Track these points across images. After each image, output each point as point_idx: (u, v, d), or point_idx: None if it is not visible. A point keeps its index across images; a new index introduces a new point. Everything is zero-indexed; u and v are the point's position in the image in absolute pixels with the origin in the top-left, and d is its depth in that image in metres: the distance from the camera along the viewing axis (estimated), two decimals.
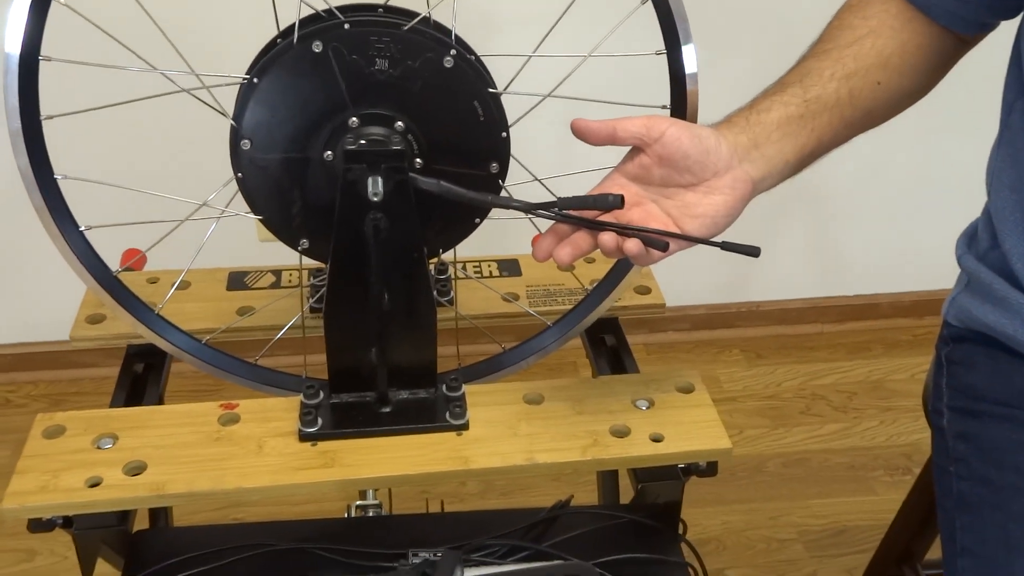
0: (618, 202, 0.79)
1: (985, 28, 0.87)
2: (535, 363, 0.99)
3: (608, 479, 1.20)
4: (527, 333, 1.00)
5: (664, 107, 0.88)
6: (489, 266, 1.13)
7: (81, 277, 0.90)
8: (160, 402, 1.00)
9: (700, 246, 0.81)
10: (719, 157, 0.77)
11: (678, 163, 0.77)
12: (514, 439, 0.88)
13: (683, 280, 2.00)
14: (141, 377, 1.02)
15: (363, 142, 0.81)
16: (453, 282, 1.08)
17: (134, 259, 1.13)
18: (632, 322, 2.04)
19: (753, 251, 0.79)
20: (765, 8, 1.73)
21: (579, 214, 0.80)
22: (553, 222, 0.80)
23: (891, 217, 1.99)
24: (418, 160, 0.84)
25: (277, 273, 1.11)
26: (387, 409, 0.90)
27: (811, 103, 0.81)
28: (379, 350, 0.88)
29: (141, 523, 1.11)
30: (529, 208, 0.81)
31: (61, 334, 1.05)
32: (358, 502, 1.17)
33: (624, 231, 0.77)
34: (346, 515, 1.14)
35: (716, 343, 2.09)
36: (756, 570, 1.62)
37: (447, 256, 1.06)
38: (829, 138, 0.83)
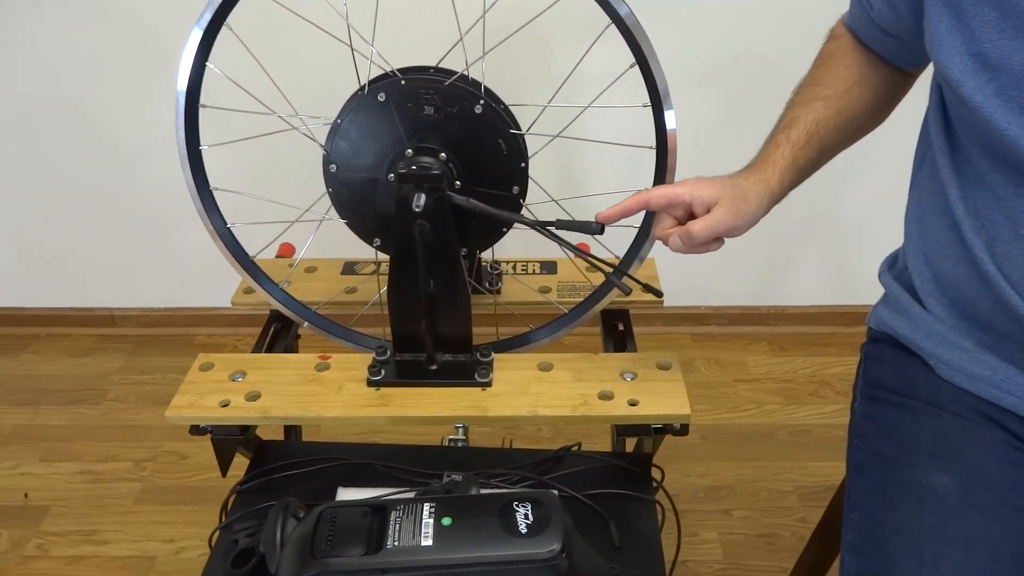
0: (599, 228, 0.76)
1: (921, 64, 0.82)
2: (551, 342, 0.96)
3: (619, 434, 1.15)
4: (554, 316, 0.98)
5: (651, 147, 0.84)
6: (533, 265, 1.11)
7: (228, 260, 0.93)
8: (286, 351, 1.02)
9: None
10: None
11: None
12: (524, 396, 0.87)
13: (724, 284, 1.94)
14: (277, 333, 1.05)
15: (413, 167, 0.80)
16: (501, 276, 1.07)
17: (286, 251, 1.18)
18: (680, 316, 2.00)
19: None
20: (733, 50, 1.62)
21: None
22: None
23: (894, 239, 1.86)
24: (458, 182, 0.84)
25: (378, 264, 1.12)
26: (434, 367, 0.90)
27: (813, 151, 0.77)
28: (427, 323, 0.88)
29: (279, 434, 1.15)
30: (532, 224, 0.81)
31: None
32: (451, 436, 1.17)
33: (585, 255, 0.79)
34: (441, 443, 1.14)
35: (748, 336, 2.00)
36: (756, 512, 1.54)
37: (498, 256, 1.07)
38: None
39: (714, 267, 1.89)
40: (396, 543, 0.61)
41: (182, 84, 0.83)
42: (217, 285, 1.79)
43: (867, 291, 1.97)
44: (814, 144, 0.77)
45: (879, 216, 1.82)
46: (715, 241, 0.73)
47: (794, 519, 1.53)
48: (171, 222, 1.80)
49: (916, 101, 0.85)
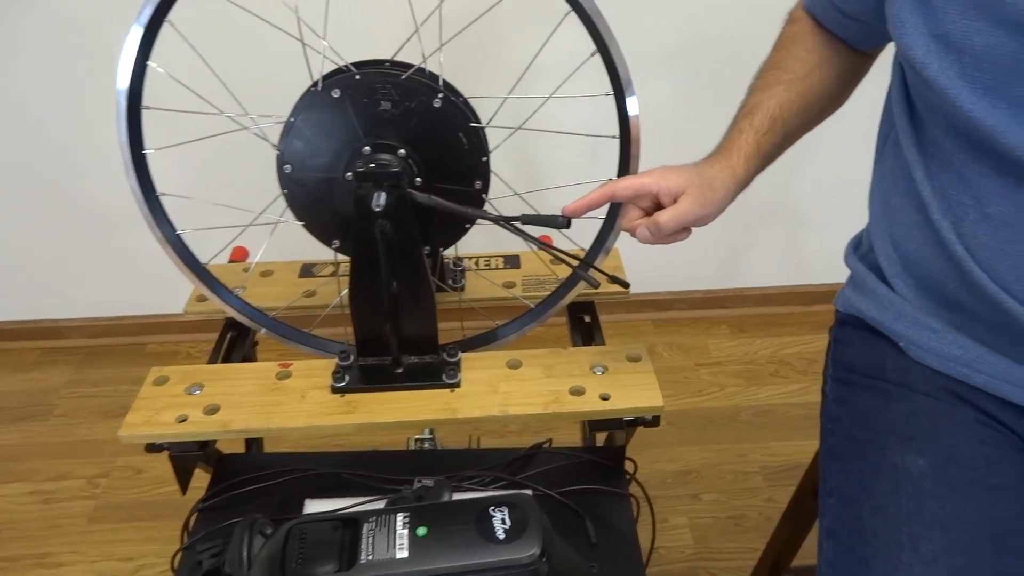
0: (565, 223, 0.76)
1: (881, 45, 0.81)
2: (518, 337, 0.94)
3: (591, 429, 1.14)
4: (520, 314, 0.95)
5: (614, 136, 0.82)
6: (496, 260, 1.09)
7: (179, 268, 0.89)
8: (244, 360, 0.98)
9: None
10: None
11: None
12: (494, 395, 0.85)
13: (686, 269, 1.95)
14: (234, 341, 1.01)
15: (371, 165, 0.77)
16: (463, 272, 1.05)
17: (238, 255, 1.13)
18: (643, 303, 2.00)
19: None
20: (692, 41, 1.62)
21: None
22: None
23: (847, 222, 1.88)
24: (418, 179, 0.81)
25: (337, 265, 1.08)
26: (399, 370, 0.87)
27: (777, 135, 0.77)
28: (392, 325, 0.86)
29: (240, 447, 1.11)
30: (496, 220, 0.79)
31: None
32: (416, 436, 1.15)
33: (550, 248, 0.77)
34: (407, 446, 1.13)
35: (709, 319, 2.00)
36: (724, 495, 1.55)
37: (460, 252, 1.04)
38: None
39: (676, 253, 1.87)
40: (370, 557, 0.58)
41: (122, 83, 0.78)
42: (169, 291, 1.74)
43: (824, 271, 2.01)
44: (778, 129, 0.76)
45: (836, 197, 1.85)
46: (683, 231, 0.73)
47: (761, 499, 1.54)
48: (118, 227, 1.73)
49: (873, 81, 0.85)
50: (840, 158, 1.74)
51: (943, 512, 0.66)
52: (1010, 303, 0.66)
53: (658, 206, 0.73)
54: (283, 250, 1.01)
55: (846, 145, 1.60)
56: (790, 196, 1.84)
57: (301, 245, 1.00)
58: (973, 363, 0.72)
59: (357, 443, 1.49)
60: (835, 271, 1.99)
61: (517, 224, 0.78)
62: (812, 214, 1.89)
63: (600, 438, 0.96)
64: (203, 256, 0.92)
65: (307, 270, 1.08)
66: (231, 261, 1.12)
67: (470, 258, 1.09)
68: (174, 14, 0.78)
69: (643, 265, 1.76)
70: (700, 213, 0.71)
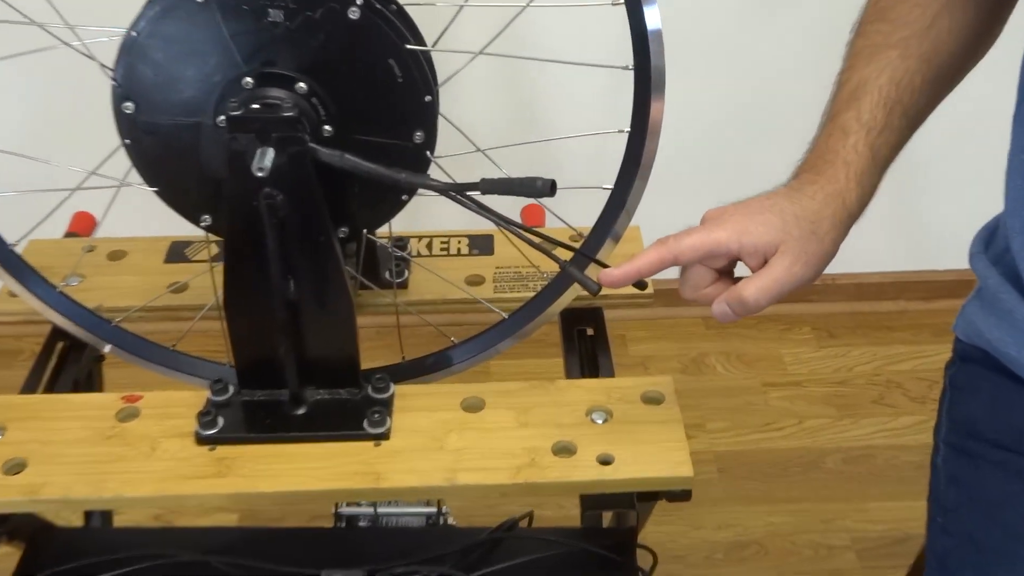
0: (547, 188, 0.73)
1: None
2: (482, 363, 0.92)
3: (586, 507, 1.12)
4: (487, 326, 0.93)
5: (627, 67, 0.79)
6: (459, 242, 1.06)
7: None
8: (76, 389, 0.95)
9: None
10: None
11: None
12: (438, 454, 0.83)
13: None
14: (63, 359, 0.97)
15: (254, 107, 0.75)
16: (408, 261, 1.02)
17: (82, 224, 1.11)
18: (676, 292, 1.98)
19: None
20: None
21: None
22: None
23: (987, 182, 1.84)
24: (327, 127, 0.79)
25: (209, 244, 1.04)
26: (300, 411, 0.86)
27: (896, 131, 0.77)
28: (288, 343, 0.83)
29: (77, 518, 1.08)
30: (445, 189, 0.77)
31: None
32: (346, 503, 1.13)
33: (525, 233, 0.75)
34: (334, 509, 1.10)
35: (784, 319, 1.99)
36: None
37: (405, 229, 1.04)
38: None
39: None
40: None
41: None
42: None
43: (954, 252, 1.96)
44: (896, 120, 0.76)
45: (960, 146, 1.81)
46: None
47: None
48: None
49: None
50: (963, 97, 1.72)
51: None
52: None
53: (734, 262, 0.75)
54: (147, 221, 0.98)
55: (972, 80, 1.56)
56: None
57: (172, 215, 0.97)
58: None
59: (252, 513, 1.46)
60: (961, 252, 1.99)
61: (476, 195, 0.76)
62: (934, 172, 1.85)
63: (606, 514, 0.93)
64: (15, 231, 0.89)
65: (178, 251, 1.06)
66: (68, 234, 1.09)
67: (419, 237, 1.06)
68: None
69: None
70: (803, 277, 0.72)
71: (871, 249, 1.92)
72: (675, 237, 0.74)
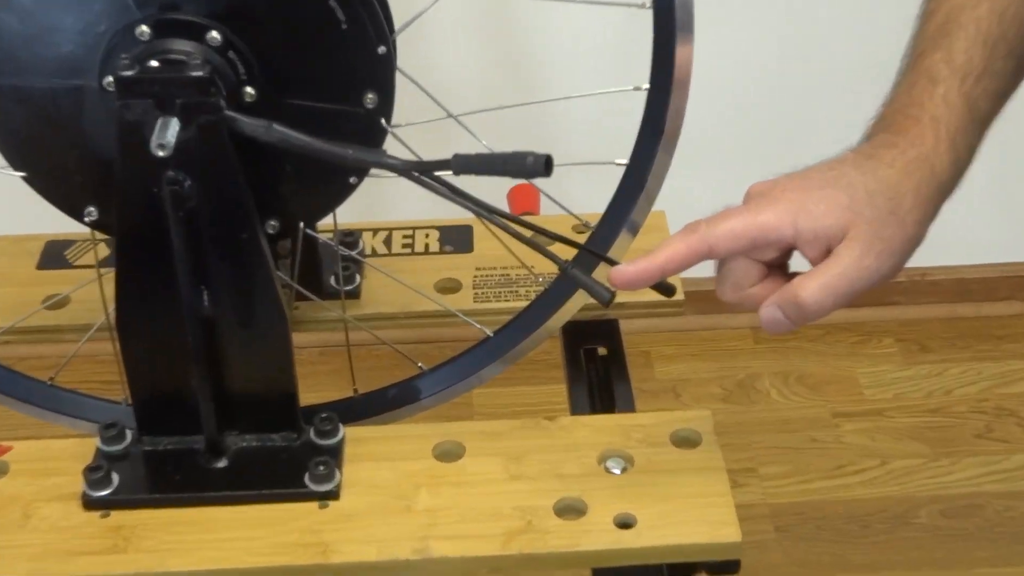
0: (540, 166, 0.73)
1: None
2: (461, 397, 0.94)
3: None
4: (465, 348, 0.94)
5: (643, 4, 0.79)
6: (427, 237, 1.08)
7: None
8: None
9: None
10: None
11: None
12: (404, 517, 0.83)
13: None
14: None
15: (151, 64, 0.76)
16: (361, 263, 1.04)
17: None
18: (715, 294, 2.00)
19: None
20: None
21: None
22: None
23: None
24: (249, 89, 0.80)
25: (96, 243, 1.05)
26: (221, 463, 0.87)
27: (998, 76, 0.78)
28: (202, 373, 0.84)
29: None
30: (406, 168, 0.77)
31: None
32: None
33: (514, 224, 0.77)
34: None
35: (859, 327, 2.00)
36: None
37: (357, 221, 1.05)
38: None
39: None
40: None
41: None
42: None
43: None
44: (1000, 62, 0.77)
45: None
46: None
47: None
48: None
49: None
50: None
51: None
52: None
53: (788, 252, 0.76)
54: (14, 215, 1.01)
55: None
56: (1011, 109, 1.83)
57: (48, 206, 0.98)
58: None
59: None
60: None
61: (447, 175, 0.77)
62: None
63: None
64: None
65: (55, 254, 1.07)
66: None
67: (374, 231, 1.08)
68: None
69: None
70: (879, 271, 0.72)
71: (973, 234, 1.92)
72: (709, 222, 0.74)
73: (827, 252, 0.73)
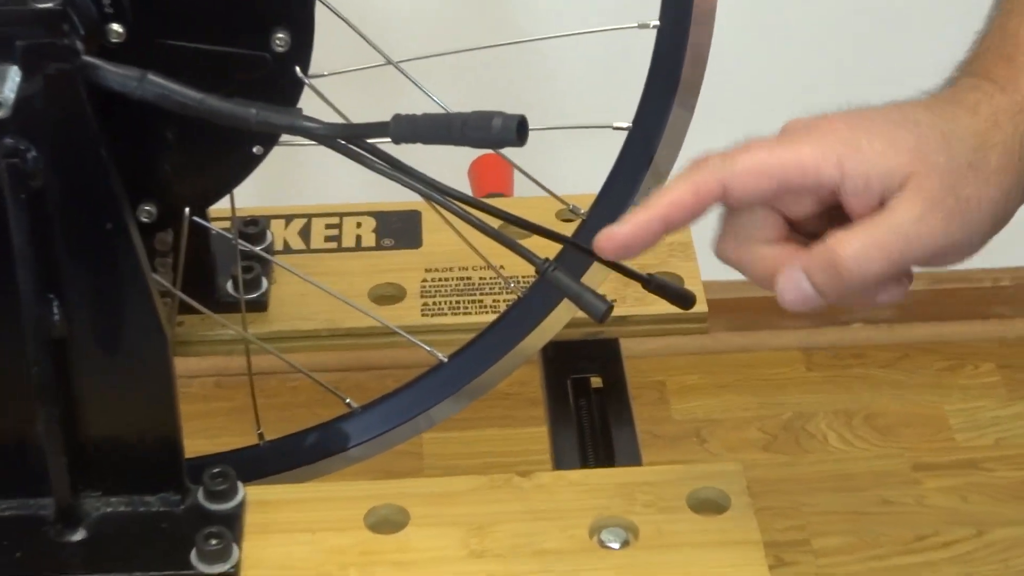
0: (511, 131, 0.74)
1: None
2: (407, 442, 0.95)
3: None
4: (413, 368, 0.96)
5: None
6: (358, 226, 1.09)
7: None
8: None
9: None
10: None
11: None
12: None
13: None
14: None
15: None
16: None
17: None
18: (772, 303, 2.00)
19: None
20: None
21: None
22: None
23: None
24: (116, 28, 0.81)
25: None
26: (76, 535, 0.88)
27: None
28: (51, 413, 0.84)
29: None
30: (330, 134, 0.79)
31: None
32: None
33: (476, 210, 0.79)
34: None
35: (949, 348, 2.02)
36: None
37: (262, 206, 1.05)
38: None
39: None
40: None
41: None
42: None
43: None
44: None
45: None
46: (896, 283, 0.76)
47: None
48: None
49: None
50: None
51: None
52: None
53: (828, 210, 0.77)
54: None
55: None
56: None
57: None
58: None
59: None
60: None
61: (384, 144, 0.78)
62: None
63: None
64: None
65: None
66: None
67: (286, 219, 1.10)
68: None
69: None
70: (947, 237, 0.73)
71: None
72: (726, 155, 0.75)
73: (880, 206, 0.73)
